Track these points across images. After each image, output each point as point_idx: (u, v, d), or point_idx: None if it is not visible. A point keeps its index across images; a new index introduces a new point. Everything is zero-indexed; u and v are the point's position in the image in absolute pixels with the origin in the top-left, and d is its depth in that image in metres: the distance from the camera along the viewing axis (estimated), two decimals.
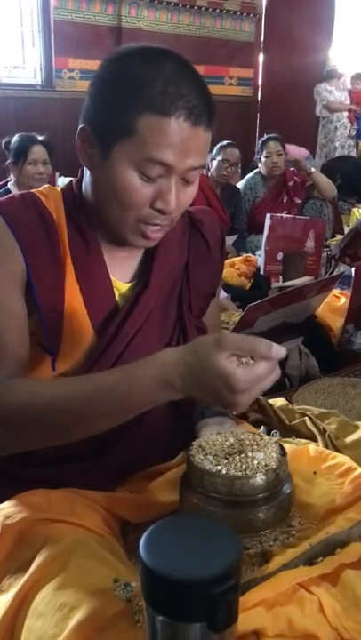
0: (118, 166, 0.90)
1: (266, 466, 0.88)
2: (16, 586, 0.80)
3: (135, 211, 0.93)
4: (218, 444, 0.93)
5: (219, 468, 0.87)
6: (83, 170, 1.05)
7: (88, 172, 0.98)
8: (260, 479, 0.86)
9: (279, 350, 0.79)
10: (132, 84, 0.87)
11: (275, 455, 0.91)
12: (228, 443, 0.94)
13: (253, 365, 0.77)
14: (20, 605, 0.78)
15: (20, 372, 0.95)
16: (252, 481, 0.86)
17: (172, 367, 0.79)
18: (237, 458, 0.89)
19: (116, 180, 0.91)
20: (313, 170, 3.56)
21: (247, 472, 0.87)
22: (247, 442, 0.94)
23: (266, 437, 0.96)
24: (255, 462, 0.88)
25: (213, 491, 0.86)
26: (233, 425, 1.08)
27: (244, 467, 0.88)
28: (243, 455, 0.90)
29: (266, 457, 0.90)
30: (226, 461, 0.89)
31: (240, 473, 0.86)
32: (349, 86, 7.13)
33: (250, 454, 0.90)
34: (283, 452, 0.93)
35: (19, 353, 0.95)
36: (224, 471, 0.87)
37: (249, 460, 0.89)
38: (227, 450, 0.92)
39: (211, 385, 0.77)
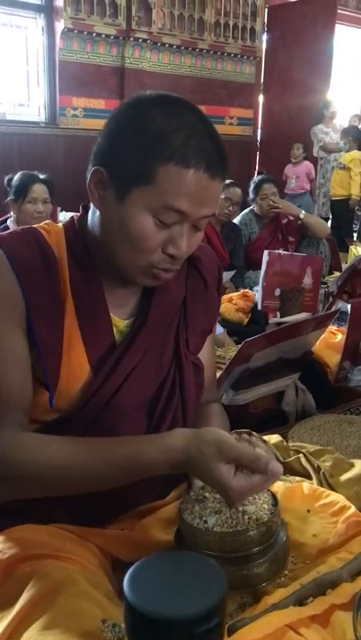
0: (134, 211, 0.92)
1: (257, 520, 0.86)
2: (2, 624, 0.79)
3: (147, 254, 0.94)
4: (208, 497, 0.92)
5: (209, 525, 0.86)
6: (83, 207, 1.06)
7: (97, 212, 0.98)
8: (252, 534, 0.85)
9: (276, 469, 0.84)
10: (154, 134, 0.89)
11: (266, 506, 0.89)
12: (218, 496, 0.91)
13: (250, 476, 0.82)
14: None
15: (25, 420, 0.95)
16: (244, 537, 0.84)
17: (179, 453, 0.85)
18: (228, 513, 0.87)
19: (131, 224, 0.92)
20: (302, 215, 3.58)
21: (238, 527, 0.85)
22: None
23: None
24: (246, 517, 0.86)
25: (206, 548, 0.85)
26: None
27: (234, 522, 0.86)
28: (233, 510, 0.88)
29: (257, 509, 0.88)
30: (217, 518, 0.87)
31: (231, 529, 0.85)
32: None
33: (240, 508, 0.88)
34: (275, 501, 0.91)
35: (23, 400, 0.95)
36: (215, 528, 0.85)
37: (240, 514, 0.87)
38: (217, 504, 0.90)
39: (208, 482, 0.86)
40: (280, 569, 0.88)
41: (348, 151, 6.56)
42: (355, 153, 6.50)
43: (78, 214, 1.07)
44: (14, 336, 0.95)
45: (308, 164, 6.78)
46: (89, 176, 0.96)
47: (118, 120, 0.95)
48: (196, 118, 0.92)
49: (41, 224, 1.05)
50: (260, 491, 0.87)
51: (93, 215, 1.00)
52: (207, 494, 0.92)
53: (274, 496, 0.92)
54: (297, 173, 6.72)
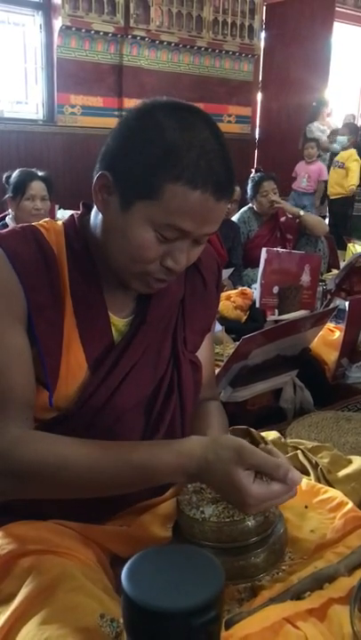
0: (136, 223, 0.91)
1: None
2: (0, 619, 0.79)
3: (144, 264, 0.94)
4: (206, 489, 0.92)
5: (206, 515, 0.86)
6: (84, 204, 1.06)
7: (100, 214, 0.97)
8: (249, 524, 0.85)
9: (295, 478, 0.82)
10: (164, 148, 0.87)
11: None
12: None
13: (269, 484, 0.81)
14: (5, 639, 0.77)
15: (30, 417, 0.94)
16: (241, 526, 0.85)
17: (195, 460, 0.83)
18: (225, 503, 0.88)
19: (132, 235, 0.92)
20: (302, 213, 3.58)
21: (235, 517, 0.85)
22: None
23: None
24: None
25: (203, 538, 0.85)
26: None
27: (231, 512, 0.86)
28: None
29: None
30: (213, 507, 0.87)
31: (228, 519, 0.85)
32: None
33: None
34: None
35: (26, 396, 0.94)
36: (212, 518, 0.86)
37: None
38: (214, 495, 0.90)
39: (225, 490, 0.82)
40: (277, 560, 0.88)
41: (345, 148, 6.57)
42: (352, 151, 6.51)
43: (78, 212, 1.06)
44: (16, 333, 0.94)
45: (320, 165, 6.79)
46: (95, 178, 0.95)
47: (129, 125, 0.93)
48: (209, 134, 0.90)
49: (40, 222, 1.04)
50: (279, 502, 0.84)
51: (96, 217, 0.99)
52: (204, 486, 0.93)
53: None
54: (310, 172, 6.73)
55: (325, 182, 6.86)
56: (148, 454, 0.85)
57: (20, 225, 1.02)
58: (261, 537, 0.86)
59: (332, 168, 6.74)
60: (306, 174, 6.73)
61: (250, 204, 3.79)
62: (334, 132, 6.95)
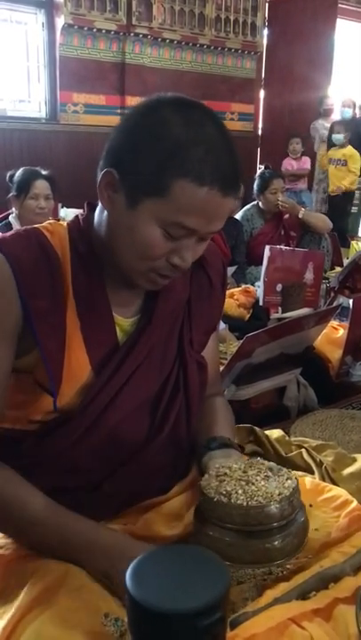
0: (143, 221, 0.90)
1: (280, 494, 0.88)
2: (4, 618, 0.79)
3: (150, 262, 0.94)
4: (230, 474, 0.93)
5: (233, 498, 0.87)
6: (88, 204, 1.04)
7: (105, 211, 0.96)
8: (274, 508, 0.86)
9: None
10: (171, 145, 0.86)
11: (287, 483, 0.91)
12: (239, 473, 0.93)
13: None
14: (9, 639, 0.76)
15: None
16: (268, 509, 0.86)
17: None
18: (252, 487, 0.89)
19: (138, 233, 0.91)
20: (301, 215, 3.56)
21: (262, 501, 0.86)
22: (259, 471, 0.93)
23: (276, 466, 0.95)
24: (269, 491, 0.88)
25: (229, 521, 0.86)
26: (240, 456, 1.07)
27: (257, 496, 0.87)
28: (256, 485, 0.89)
29: (279, 485, 0.89)
30: (240, 491, 0.88)
31: (255, 502, 0.86)
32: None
33: (263, 483, 0.89)
34: (295, 479, 0.93)
35: None
36: (239, 501, 0.86)
37: (263, 489, 0.88)
38: (239, 480, 0.91)
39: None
40: (300, 545, 0.89)
41: (343, 145, 6.53)
42: (352, 148, 6.48)
43: (83, 212, 1.05)
44: None
45: (307, 160, 6.77)
46: (100, 176, 0.93)
47: (135, 121, 0.92)
48: (215, 130, 0.89)
49: (44, 224, 1.03)
50: None
51: (101, 214, 0.98)
52: (227, 471, 0.93)
53: (295, 477, 0.94)
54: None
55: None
56: (88, 540, 0.88)
57: (24, 228, 1.01)
58: (286, 521, 0.87)
59: (333, 166, 6.69)
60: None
61: (254, 202, 3.78)
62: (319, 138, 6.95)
